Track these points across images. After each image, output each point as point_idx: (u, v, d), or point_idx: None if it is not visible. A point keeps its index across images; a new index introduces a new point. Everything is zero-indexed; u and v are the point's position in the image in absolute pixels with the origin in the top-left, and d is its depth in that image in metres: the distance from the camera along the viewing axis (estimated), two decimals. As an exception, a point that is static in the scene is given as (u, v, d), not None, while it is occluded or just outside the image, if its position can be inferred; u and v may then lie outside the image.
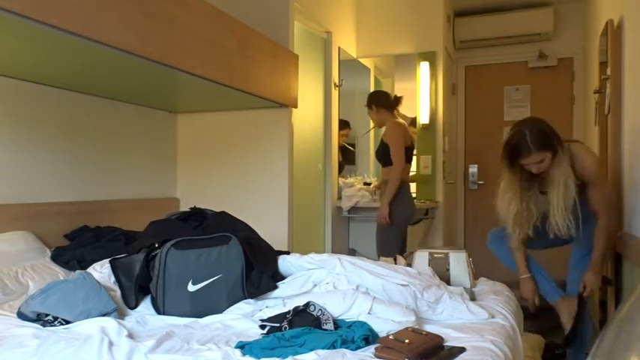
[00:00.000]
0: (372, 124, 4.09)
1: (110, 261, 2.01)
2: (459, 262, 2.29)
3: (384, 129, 3.67)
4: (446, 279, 2.22)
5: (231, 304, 1.92)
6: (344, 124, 4.30)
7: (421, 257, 2.35)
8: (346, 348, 1.45)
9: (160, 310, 1.88)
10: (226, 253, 1.97)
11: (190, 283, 1.88)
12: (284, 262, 2.18)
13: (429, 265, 2.29)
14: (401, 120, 3.68)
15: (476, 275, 2.40)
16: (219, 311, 1.88)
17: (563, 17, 4.76)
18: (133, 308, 1.89)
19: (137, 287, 1.91)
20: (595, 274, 2.46)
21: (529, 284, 2.61)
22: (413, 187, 4.21)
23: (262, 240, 2.27)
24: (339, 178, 4.28)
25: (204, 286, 1.89)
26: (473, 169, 5.12)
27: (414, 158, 4.58)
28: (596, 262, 2.46)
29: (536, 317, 3.08)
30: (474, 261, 2.40)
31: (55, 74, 2.45)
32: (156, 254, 1.94)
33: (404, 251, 3.46)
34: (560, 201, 2.31)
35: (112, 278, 1.97)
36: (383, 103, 3.65)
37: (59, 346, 1.43)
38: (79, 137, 2.81)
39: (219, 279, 1.92)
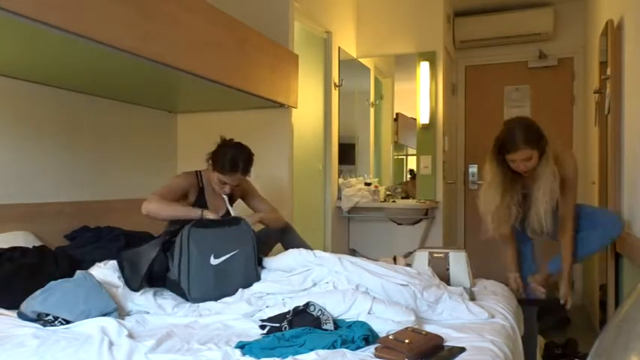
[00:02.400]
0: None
1: (116, 256, 2.06)
2: (458, 262, 2.29)
3: None
4: (446, 279, 2.22)
5: (246, 280, 2.10)
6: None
7: (421, 257, 2.35)
8: (346, 348, 1.45)
9: (184, 289, 1.97)
10: (238, 232, 2.20)
11: (212, 257, 2.06)
12: (285, 257, 2.19)
13: (429, 264, 2.29)
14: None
15: (475, 275, 2.40)
16: (236, 285, 2.04)
17: (563, 17, 4.76)
18: (136, 289, 1.91)
19: (148, 269, 1.95)
20: (568, 287, 2.52)
21: (512, 283, 2.65)
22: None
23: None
24: (339, 179, 4.28)
25: (224, 260, 2.09)
26: (473, 169, 5.12)
27: (414, 158, 4.59)
28: (568, 275, 2.51)
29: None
30: (474, 261, 2.40)
31: (55, 74, 2.45)
32: (173, 241, 2.07)
33: None
34: (544, 200, 2.32)
35: (117, 273, 1.99)
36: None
37: (59, 346, 1.43)
38: (79, 137, 2.81)
39: (237, 254, 2.12)
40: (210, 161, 2.51)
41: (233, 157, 2.44)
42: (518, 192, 2.43)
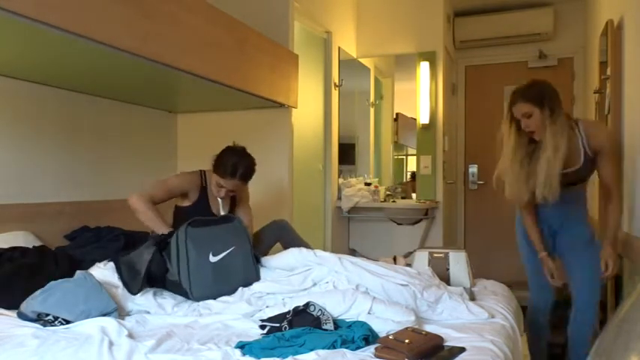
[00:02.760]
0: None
1: (113, 259, 2.04)
2: (458, 262, 2.29)
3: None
4: (446, 279, 2.22)
5: (245, 275, 2.12)
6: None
7: (421, 257, 2.35)
8: (346, 348, 1.45)
9: (186, 289, 1.97)
10: (233, 229, 2.22)
11: (211, 254, 2.08)
12: (286, 256, 2.19)
13: (429, 264, 2.29)
14: None
15: (475, 275, 2.40)
16: (237, 281, 2.06)
17: (563, 17, 4.76)
18: (136, 293, 1.90)
19: (147, 272, 1.95)
20: (612, 249, 2.32)
21: (546, 262, 2.45)
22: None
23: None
24: (339, 179, 4.28)
25: (223, 257, 2.10)
26: (473, 169, 5.12)
27: (414, 158, 4.59)
28: (613, 238, 2.34)
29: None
30: (473, 261, 2.40)
31: (55, 74, 2.45)
32: (168, 241, 2.07)
33: None
34: (548, 158, 2.23)
35: (116, 274, 1.98)
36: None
37: (59, 346, 1.43)
38: (79, 137, 2.81)
39: (234, 250, 2.14)
40: (213, 162, 2.52)
41: (235, 164, 2.45)
42: (535, 160, 2.33)
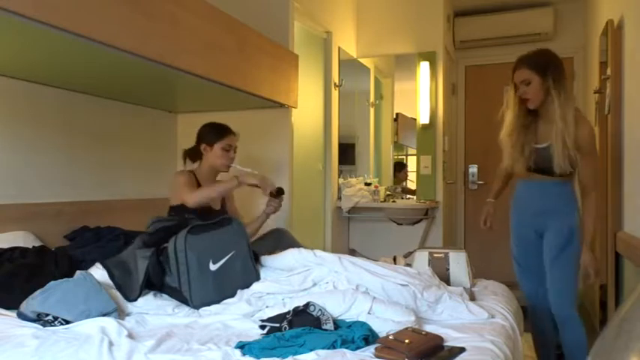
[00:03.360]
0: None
1: (102, 262, 2.02)
2: (458, 262, 2.29)
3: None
4: (445, 279, 2.22)
5: (245, 279, 2.09)
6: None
7: (421, 257, 2.35)
8: (346, 348, 1.45)
9: (186, 297, 1.94)
10: (232, 231, 2.18)
11: (211, 262, 2.03)
12: (285, 256, 2.19)
13: (429, 265, 2.29)
14: None
15: (475, 275, 2.40)
16: (237, 286, 2.03)
17: (563, 17, 4.76)
18: (134, 300, 1.89)
19: (145, 279, 1.93)
20: (590, 254, 2.27)
21: (488, 207, 2.65)
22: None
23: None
24: (339, 179, 4.28)
25: (223, 264, 2.06)
26: (473, 169, 5.12)
27: (414, 158, 4.59)
28: (589, 242, 2.29)
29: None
30: (473, 261, 2.40)
31: (55, 74, 2.45)
32: (165, 247, 2.02)
33: None
34: (561, 134, 2.18)
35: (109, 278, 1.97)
36: None
37: (59, 346, 1.43)
38: (79, 137, 2.81)
39: (234, 255, 2.10)
40: (205, 142, 2.64)
41: (220, 124, 2.65)
42: (533, 131, 2.33)
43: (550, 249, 2.34)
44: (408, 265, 2.39)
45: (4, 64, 2.23)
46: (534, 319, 2.53)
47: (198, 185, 2.59)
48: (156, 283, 1.99)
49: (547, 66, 2.22)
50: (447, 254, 2.31)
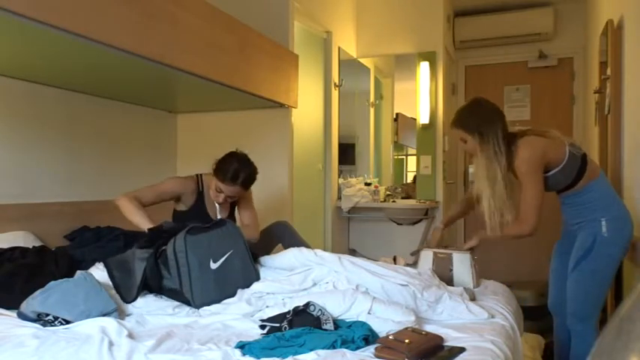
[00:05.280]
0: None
1: (104, 260, 2.02)
2: (462, 263, 2.29)
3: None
4: (448, 279, 2.23)
5: (245, 277, 2.10)
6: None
7: (426, 256, 2.36)
8: (346, 348, 1.45)
9: (188, 298, 1.93)
10: (227, 232, 2.17)
11: (211, 261, 2.04)
12: (286, 255, 2.19)
13: (433, 264, 2.29)
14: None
15: (477, 275, 2.39)
16: (238, 284, 2.05)
17: (563, 17, 4.76)
18: (131, 302, 1.89)
19: (143, 281, 1.93)
20: (478, 237, 2.34)
21: (436, 233, 2.55)
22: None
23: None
24: (339, 179, 4.28)
25: (223, 262, 2.07)
26: (473, 169, 5.12)
27: (414, 158, 4.59)
28: (485, 234, 2.26)
29: (536, 317, 3.08)
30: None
31: (55, 74, 2.45)
32: (164, 249, 2.02)
33: None
34: (480, 188, 2.17)
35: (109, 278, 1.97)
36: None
37: (59, 346, 1.43)
38: (79, 137, 2.81)
39: (232, 254, 2.11)
40: (215, 166, 2.50)
41: (236, 169, 2.43)
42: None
43: (571, 260, 2.27)
44: (408, 265, 2.39)
45: (4, 64, 2.24)
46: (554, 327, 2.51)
47: (200, 190, 2.58)
48: (153, 286, 1.98)
49: (471, 122, 2.17)
50: (450, 255, 2.31)
